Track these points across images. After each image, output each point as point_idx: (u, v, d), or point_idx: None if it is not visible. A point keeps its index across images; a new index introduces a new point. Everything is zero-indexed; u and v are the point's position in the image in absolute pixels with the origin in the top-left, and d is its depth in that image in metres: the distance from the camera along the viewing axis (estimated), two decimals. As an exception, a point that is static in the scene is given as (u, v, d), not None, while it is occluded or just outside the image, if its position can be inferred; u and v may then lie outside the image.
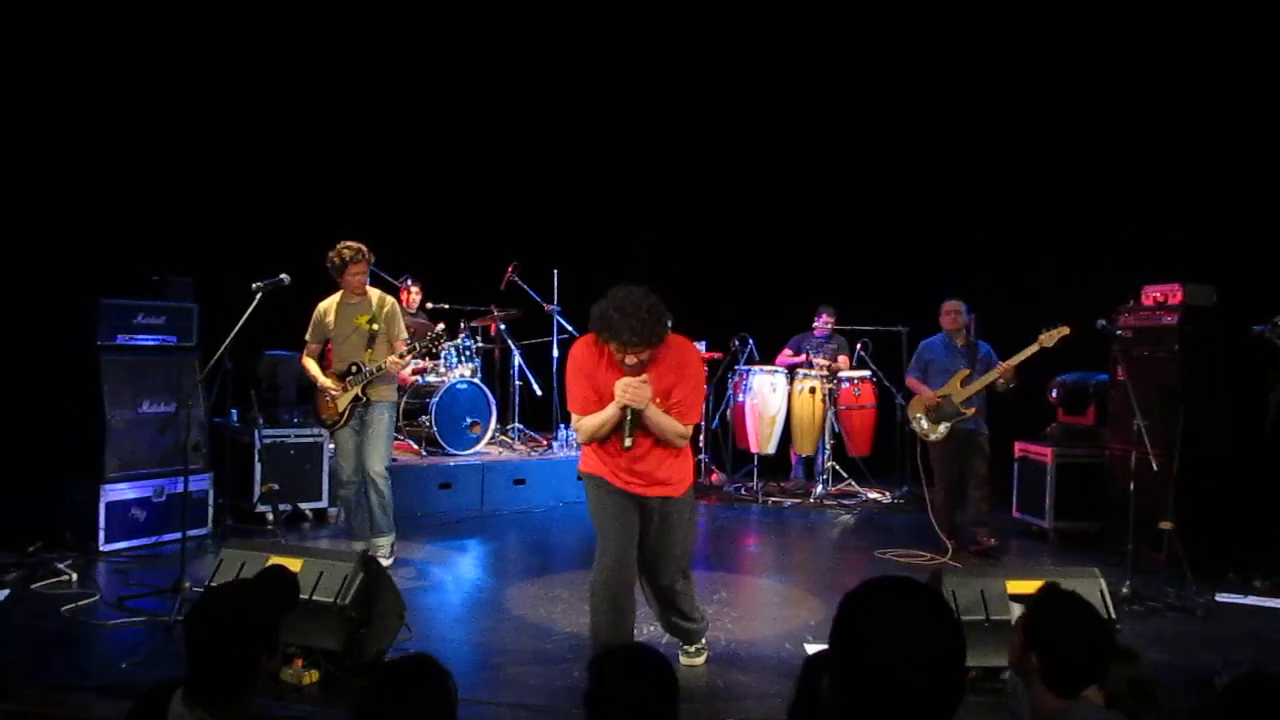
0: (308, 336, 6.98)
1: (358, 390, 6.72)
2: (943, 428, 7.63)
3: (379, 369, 6.65)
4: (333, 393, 6.79)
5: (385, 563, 6.47)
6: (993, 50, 10.15)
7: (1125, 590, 6.11)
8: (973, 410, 7.58)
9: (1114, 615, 4.79)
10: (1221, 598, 6.46)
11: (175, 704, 2.57)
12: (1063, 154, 9.82)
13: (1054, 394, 8.64)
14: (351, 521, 7.01)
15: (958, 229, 10.66)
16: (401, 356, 6.68)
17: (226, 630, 2.63)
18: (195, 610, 2.71)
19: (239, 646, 2.63)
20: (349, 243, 6.77)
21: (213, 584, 4.65)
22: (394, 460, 7.34)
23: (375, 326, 6.80)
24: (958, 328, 7.79)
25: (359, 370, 6.71)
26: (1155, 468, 6.36)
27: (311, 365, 6.92)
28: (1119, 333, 7.08)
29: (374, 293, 6.96)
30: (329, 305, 6.92)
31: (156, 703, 2.58)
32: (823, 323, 10.34)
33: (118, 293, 7.32)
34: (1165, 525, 6.60)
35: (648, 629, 5.56)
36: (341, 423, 6.79)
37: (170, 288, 7.69)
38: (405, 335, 6.99)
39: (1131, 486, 6.50)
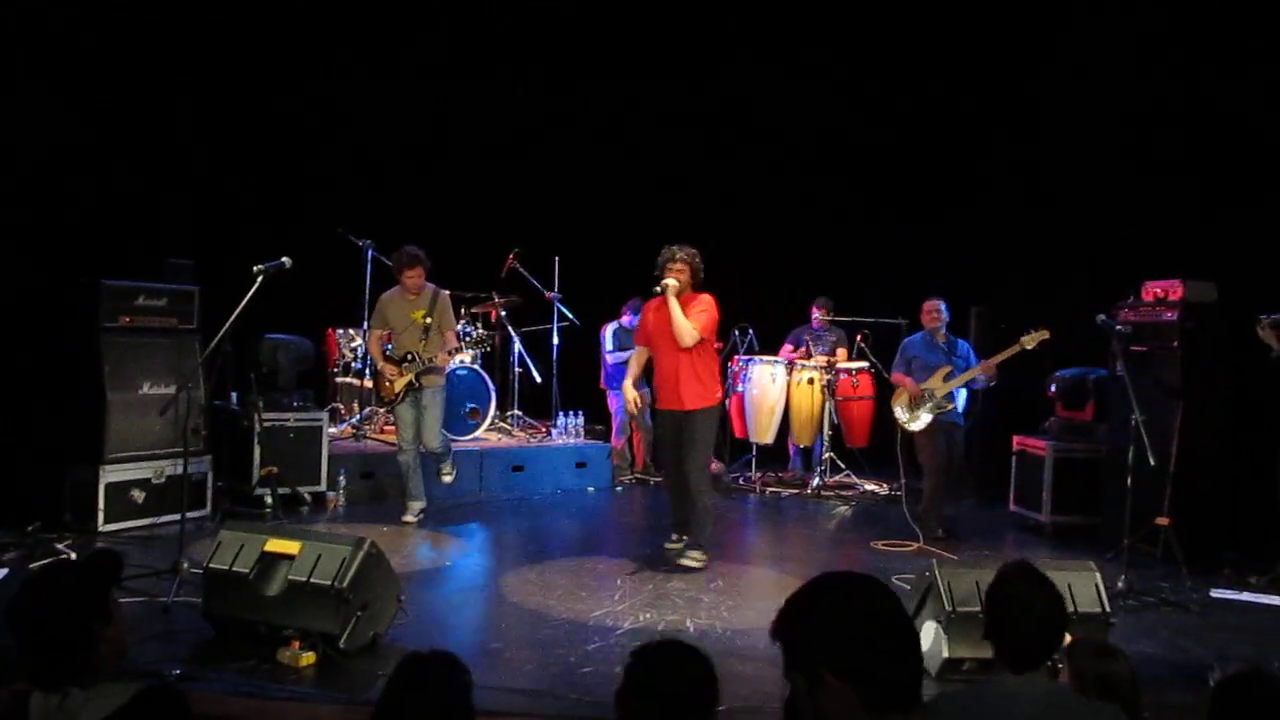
0: (371, 323, 8.10)
1: (411, 377, 7.65)
2: (924, 419, 7.88)
3: (430, 360, 7.63)
4: (389, 376, 7.75)
5: (411, 520, 7.74)
6: (989, 34, 10.14)
7: (1120, 585, 6.13)
8: (952, 405, 7.90)
9: (1109, 610, 4.81)
10: (1216, 593, 6.47)
11: (35, 699, 2.56)
12: (1063, 145, 9.79)
13: (1052, 389, 8.66)
14: (408, 484, 7.81)
15: (958, 221, 10.65)
16: (451, 353, 7.87)
17: (47, 609, 2.65)
18: (12, 602, 2.70)
19: (65, 622, 2.64)
20: (408, 248, 7.69)
21: (230, 566, 4.73)
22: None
23: (429, 320, 7.71)
24: (936, 325, 8.08)
25: (414, 359, 7.66)
26: (1153, 463, 6.37)
27: (374, 349, 7.94)
28: (1119, 328, 7.10)
29: (430, 289, 7.82)
30: (390, 297, 7.84)
31: (16, 705, 2.56)
32: (818, 314, 10.35)
33: (119, 275, 7.33)
34: (1162, 521, 6.63)
35: (666, 618, 5.59)
36: (399, 400, 7.74)
37: (172, 270, 7.69)
38: (456, 326, 8.20)
39: (1129, 482, 6.51)
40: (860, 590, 1.95)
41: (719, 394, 7.05)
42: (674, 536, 7.07)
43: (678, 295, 6.79)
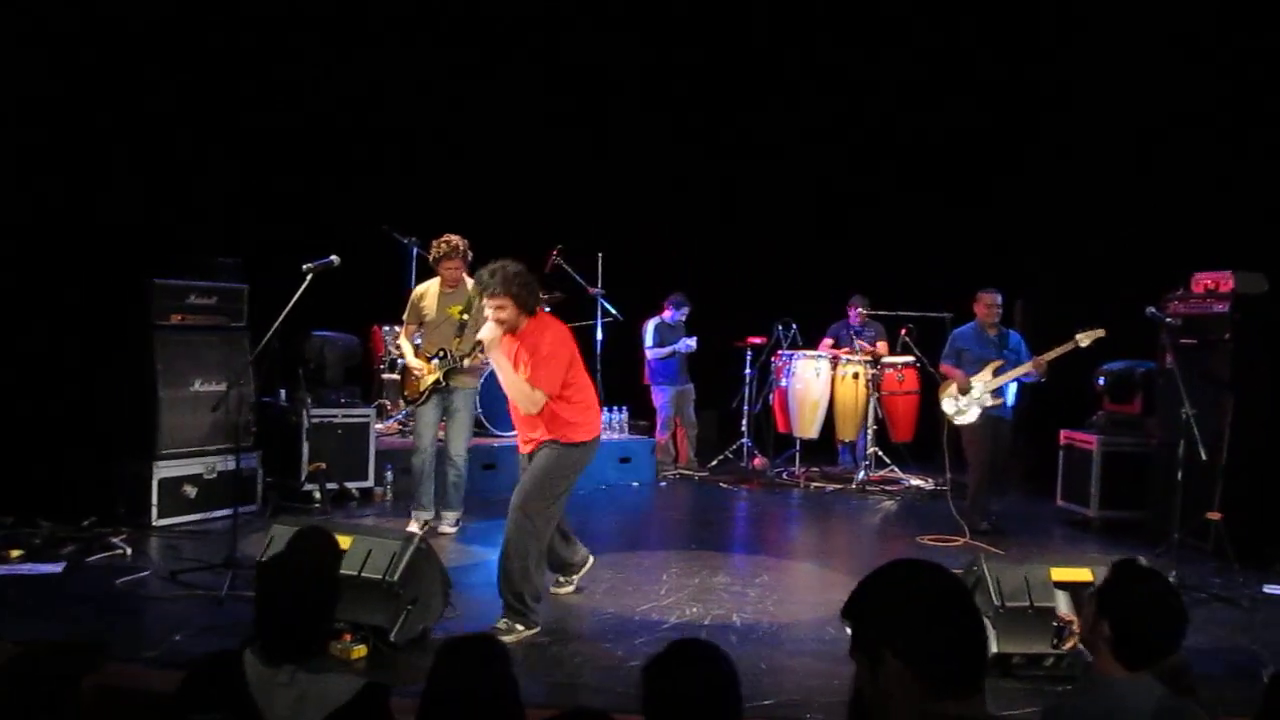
0: (405, 316, 7.51)
1: (439, 375, 7.13)
2: (973, 412, 7.80)
3: (462, 360, 6.97)
4: (416, 373, 7.28)
5: (450, 531, 7.40)
6: (1027, 22, 10.05)
7: (1171, 580, 6.03)
8: (1001, 400, 7.78)
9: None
10: (1269, 589, 6.39)
11: (251, 663, 2.63)
12: (1109, 133, 9.69)
13: (1100, 382, 8.58)
14: (419, 490, 7.33)
15: (1002, 215, 10.58)
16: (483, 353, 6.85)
17: (304, 587, 2.74)
18: (269, 572, 2.79)
19: (316, 602, 2.74)
20: (448, 237, 7.26)
21: (265, 558, 4.74)
22: (440, 441, 7.49)
23: (466, 317, 6.96)
24: (992, 319, 7.94)
25: (445, 356, 7.07)
26: (1204, 458, 6.29)
27: (405, 344, 7.48)
28: (1168, 320, 7.03)
29: (469, 283, 7.10)
30: (426, 289, 7.43)
31: (225, 667, 2.64)
32: (855, 311, 10.32)
33: (170, 273, 7.45)
34: (1213, 516, 6.55)
35: (712, 612, 5.62)
36: (422, 400, 7.29)
37: (221, 269, 7.80)
38: None
39: (1179, 476, 6.44)
40: (929, 576, 1.97)
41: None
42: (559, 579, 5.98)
43: (511, 332, 5.24)
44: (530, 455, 5.43)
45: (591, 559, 6.10)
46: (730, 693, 2.47)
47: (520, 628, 5.10)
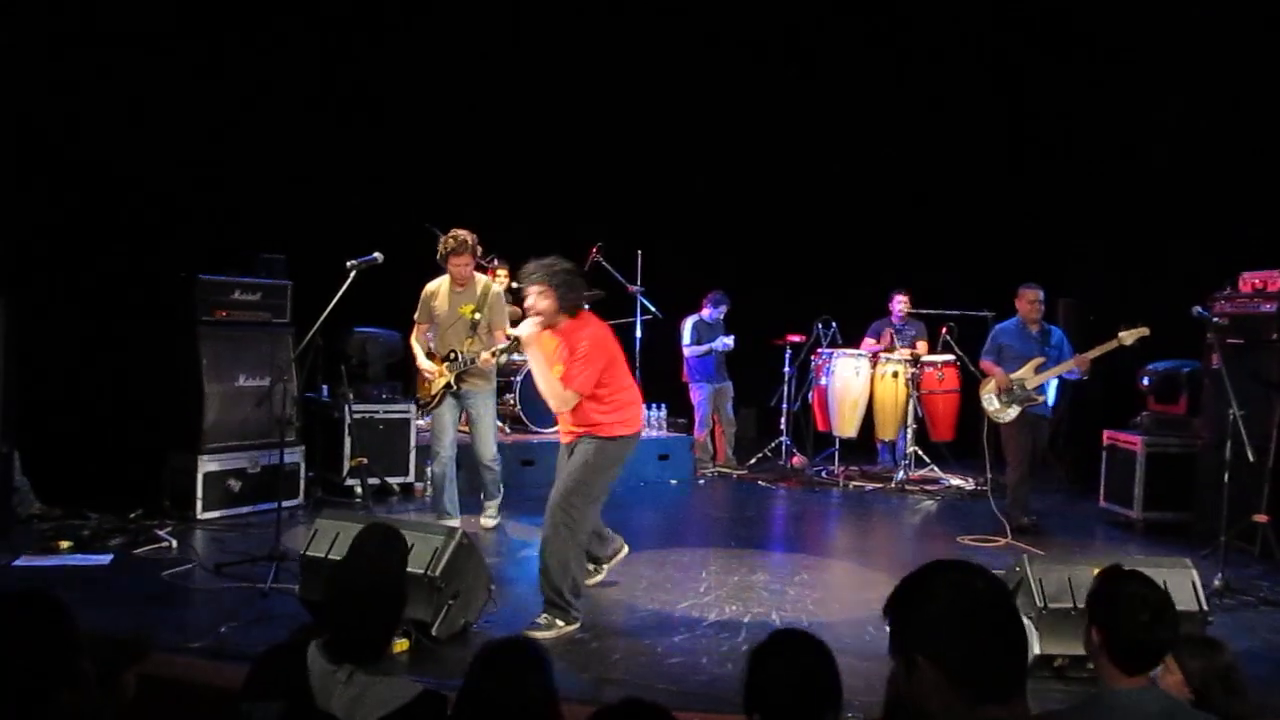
0: (416, 315, 7.29)
1: (450, 378, 7.01)
2: (1014, 410, 7.73)
3: (473, 361, 6.84)
4: (428, 375, 7.12)
5: (491, 523, 7.37)
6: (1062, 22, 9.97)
7: (1217, 583, 5.99)
8: (1042, 398, 7.70)
9: (1205, 607, 4.71)
10: (1317, 593, 6.31)
11: (314, 658, 2.67)
12: (1156, 128, 9.59)
13: (1145, 382, 8.49)
14: (441, 498, 7.20)
15: (1046, 215, 10.48)
16: (495, 353, 6.57)
17: (372, 589, 2.80)
18: (346, 573, 2.83)
19: (382, 605, 2.79)
20: (456, 232, 7.01)
21: (327, 554, 4.80)
22: (466, 443, 7.55)
23: (478, 316, 7.01)
24: (1035, 315, 7.87)
25: (456, 358, 6.95)
26: (1251, 459, 6.20)
27: (416, 345, 7.26)
28: (1215, 320, 6.94)
29: (480, 281, 7.23)
30: (436, 288, 7.21)
31: (293, 654, 2.69)
32: (898, 305, 10.27)
33: (215, 269, 7.54)
34: (1260, 518, 6.47)
35: (751, 610, 5.61)
36: (434, 404, 7.13)
37: (265, 265, 7.89)
38: (508, 325, 7.13)
39: (1225, 478, 6.35)
40: (966, 580, 1.96)
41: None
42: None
43: (550, 326, 5.21)
44: (570, 446, 5.41)
45: (625, 549, 6.11)
46: (833, 681, 2.49)
47: (561, 623, 5.10)
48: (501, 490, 7.52)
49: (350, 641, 2.70)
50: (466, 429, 7.57)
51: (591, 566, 5.93)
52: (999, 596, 1.96)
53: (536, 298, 5.12)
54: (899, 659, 1.97)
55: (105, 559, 6.06)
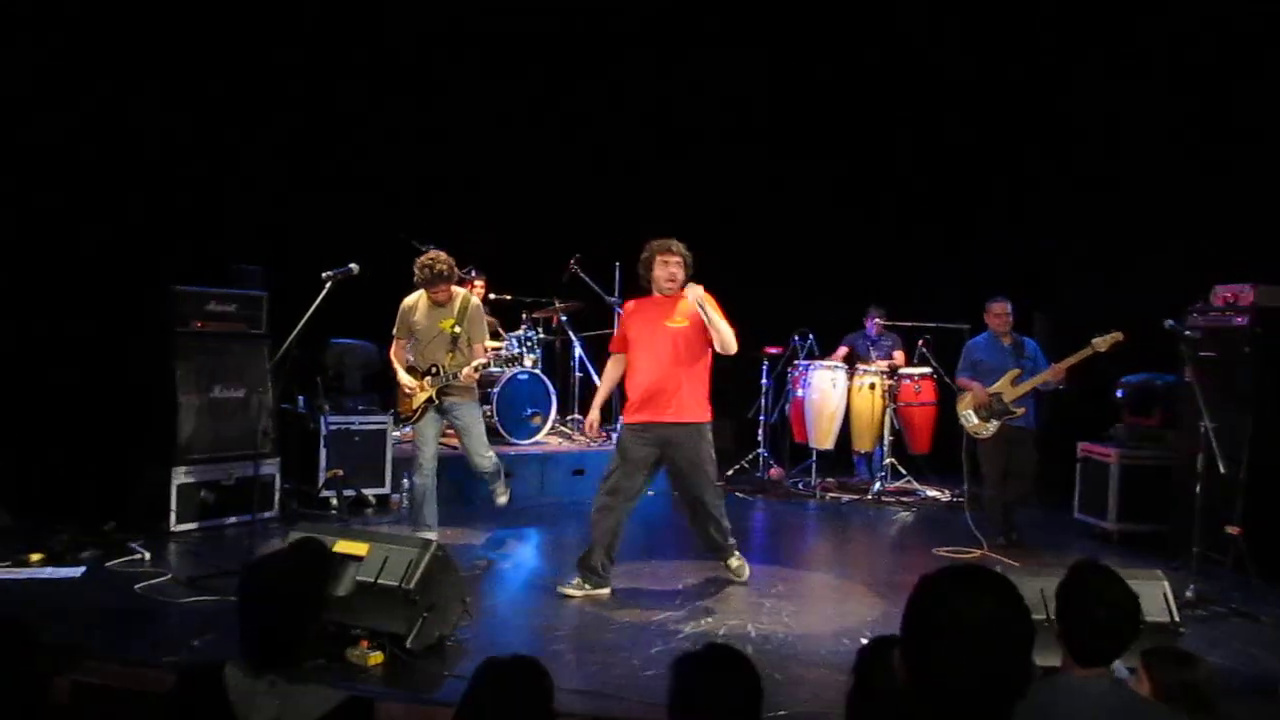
0: (395, 331, 7.21)
1: (432, 392, 6.95)
2: (993, 425, 7.72)
3: (455, 377, 6.86)
4: (409, 390, 7.06)
5: (503, 500, 7.55)
6: (1043, 34, 10.04)
7: (1189, 594, 6.03)
8: (1022, 410, 7.68)
9: (1178, 618, 4.73)
10: (1289, 604, 6.35)
11: (231, 675, 2.64)
12: (1130, 145, 9.66)
13: (1120, 394, 8.53)
14: (421, 510, 7.12)
15: (1022, 225, 10.54)
16: (477, 369, 6.90)
17: (281, 598, 2.76)
18: (246, 585, 2.81)
19: (293, 612, 2.75)
20: (434, 256, 6.90)
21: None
22: (453, 449, 7.57)
23: (458, 330, 6.98)
24: (1004, 328, 7.88)
25: (438, 373, 6.92)
26: (1224, 471, 6.24)
27: (395, 360, 7.18)
28: (1187, 333, 6.97)
29: (459, 295, 7.16)
30: (414, 301, 7.13)
31: (207, 680, 2.65)
32: (872, 322, 10.31)
33: (191, 280, 7.49)
34: (1232, 530, 6.49)
35: (727, 622, 5.61)
36: (415, 419, 7.06)
37: (240, 276, 7.86)
38: (487, 338, 7.27)
39: (1198, 490, 6.39)
40: (964, 602, 1.91)
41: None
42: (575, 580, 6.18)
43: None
44: (648, 425, 6.28)
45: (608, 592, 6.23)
46: (752, 702, 2.50)
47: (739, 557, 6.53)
48: (504, 473, 7.54)
49: (268, 647, 2.67)
50: (447, 441, 7.56)
51: (576, 579, 6.16)
52: (1015, 626, 1.90)
53: (676, 268, 6.36)
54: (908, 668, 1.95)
55: (77, 572, 6.01)
